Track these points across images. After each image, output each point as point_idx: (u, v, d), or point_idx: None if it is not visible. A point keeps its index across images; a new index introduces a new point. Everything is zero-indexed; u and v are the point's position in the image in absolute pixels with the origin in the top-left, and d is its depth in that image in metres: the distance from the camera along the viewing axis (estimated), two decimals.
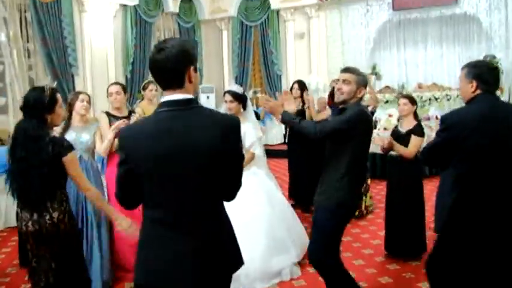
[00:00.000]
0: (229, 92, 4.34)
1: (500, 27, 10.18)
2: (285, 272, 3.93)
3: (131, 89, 10.99)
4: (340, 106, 3.00)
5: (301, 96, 5.86)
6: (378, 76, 11.37)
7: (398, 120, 5.27)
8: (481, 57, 10.72)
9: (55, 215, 2.73)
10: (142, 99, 5.43)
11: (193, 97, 1.85)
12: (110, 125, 4.08)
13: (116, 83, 4.40)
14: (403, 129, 4.26)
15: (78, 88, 9.66)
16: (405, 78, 11.49)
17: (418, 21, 11.42)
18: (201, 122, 1.79)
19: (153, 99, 5.45)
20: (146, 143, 1.76)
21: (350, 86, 2.95)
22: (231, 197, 1.96)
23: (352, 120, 2.86)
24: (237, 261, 1.97)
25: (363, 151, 3.05)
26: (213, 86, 13.18)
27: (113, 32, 10.55)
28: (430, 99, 9.78)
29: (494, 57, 10.31)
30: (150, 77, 11.12)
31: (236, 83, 13.21)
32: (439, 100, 9.68)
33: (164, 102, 1.81)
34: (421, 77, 11.29)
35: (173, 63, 1.76)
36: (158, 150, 1.74)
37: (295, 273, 4.00)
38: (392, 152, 4.14)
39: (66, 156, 2.74)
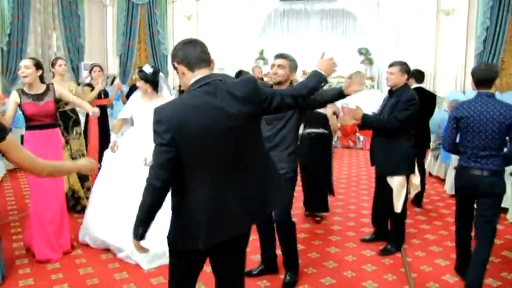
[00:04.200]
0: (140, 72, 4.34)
1: (372, 23, 11.38)
2: None
3: (7, 62, 10.14)
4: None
5: None
6: (265, 61, 11.97)
7: None
8: (355, 49, 12.00)
9: None
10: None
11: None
12: (21, 103, 4.00)
13: (28, 58, 4.22)
14: (321, 110, 4.83)
15: None
16: None
17: (301, 12, 12.21)
18: (229, 93, 2.06)
19: (64, 74, 5.30)
20: (195, 118, 1.98)
21: (284, 70, 3.35)
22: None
23: None
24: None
25: None
26: (96, 63, 12.64)
27: None
28: None
29: (367, 50, 11.56)
30: (29, 50, 10.63)
31: (120, 61, 12.86)
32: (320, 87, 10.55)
33: (202, 77, 2.07)
34: (303, 65, 12.11)
35: (207, 49, 2.16)
36: (206, 123, 1.99)
37: None
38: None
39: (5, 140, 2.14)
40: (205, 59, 2.11)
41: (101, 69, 6.07)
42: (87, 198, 5.27)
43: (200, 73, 2.07)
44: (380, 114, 4.10)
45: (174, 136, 1.96)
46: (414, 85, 5.25)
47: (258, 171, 2.19)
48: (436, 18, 11.05)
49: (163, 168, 1.99)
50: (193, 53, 2.08)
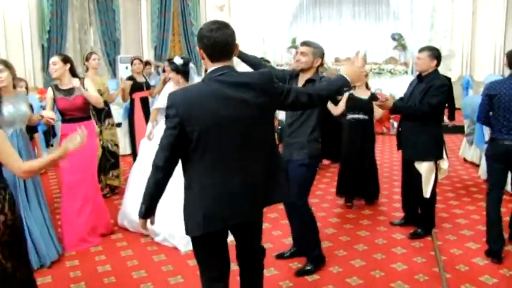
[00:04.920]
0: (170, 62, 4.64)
1: (406, 8, 11.20)
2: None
3: (48, 58, 10.56)
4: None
5: None
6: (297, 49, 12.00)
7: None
8: (389, 35, 11.87)
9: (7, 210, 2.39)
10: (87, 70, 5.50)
11: (232, 65, 2.17)
12: (55, 98, 4.19)
13: (56, 54, 4.33)
14: (362, 96, 5.01)
15: None
16: None
17: None
18: (242, 83, 2.11)
19: (97, 68, 5.57)
20: (203, 104, 2.05)
21: (307, 57, 3.40)
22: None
23: None
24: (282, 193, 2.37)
25: None
26: (132, 56, 12.96)
27: None
28: None
29: (400, 35, 11.41)
30: (67, 46, 11.04)
31: (155, 53, 13.14)
32: None
33: (215, 69, 2.11)
34: (336, 52, 12.06)
35: (231, 39, 2.11)
36: (214, 109, 2.04)
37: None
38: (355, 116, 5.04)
39: None
40: (227, 52, 2.12)
41: (141, 61, 6.22)
42: (117, 186, 5.55)
43: (218, 64, 2.12)
44: (408, 99, 4.10)
45: (182, 121, 2.04)
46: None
47: (265, 163, 2.22)
48: None
49: (167, 150, 2.10)
50: (216, 45, 2.09)
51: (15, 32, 9.86)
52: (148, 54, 13.30)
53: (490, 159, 3.72)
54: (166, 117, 2.10)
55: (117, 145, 5.70)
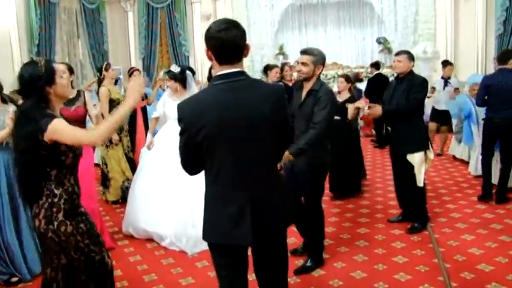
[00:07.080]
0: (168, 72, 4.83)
1: (390, 12, 11.45)
2: None
3: None
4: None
5: None
6: (285, 56, 12.19)
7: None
8: (374, 39, 12.11)
9: (42, 217, 2.34)
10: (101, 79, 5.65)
11: (242, 69, 2.04)
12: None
13: (61, 63, 4.37)
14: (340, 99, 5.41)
15: None
16: None
17: (318, 5, 12.36)
18: (254, 92, 2.01)
19: (114, 78, 5.86)
20: (206, 112, 1.95)
21: (308, 67, 3.50)
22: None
23: None
24: (289, 217, 2.27)
25: None
26: (120, 67, 13.06)
27: (15, 12, 10.05)
28: (334, 77, 10.82)
29: (385, 39, 11.65)
30: (56, 59, 11.08)
31: (144, 64, 13.23)
32: None
33: (222, 75, 2.00)
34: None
35: (240, 40, 1.96)
36: (217, 117, 1.94)
37: None
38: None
39: (47, 130, 2.27)
40: (236, 54, 1.98)
41: (140, 72, 6.45)
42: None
43: (226, 68, 1.99)
44: (390, 101, 4.35)
45: (188, 131, 2.00)
46: (374, 72, 5.78)
47: (270, 180, 2.11)
48: (454, 1, 11.08)
49: (183, 155, 2.10)
50: (224, 47, 1.95)
51: (5, 46, 9.87)
52: (136, 65, 13.30)
53: (486, 133, 5.10)
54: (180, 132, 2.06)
55: (132, 150, 5.92)
